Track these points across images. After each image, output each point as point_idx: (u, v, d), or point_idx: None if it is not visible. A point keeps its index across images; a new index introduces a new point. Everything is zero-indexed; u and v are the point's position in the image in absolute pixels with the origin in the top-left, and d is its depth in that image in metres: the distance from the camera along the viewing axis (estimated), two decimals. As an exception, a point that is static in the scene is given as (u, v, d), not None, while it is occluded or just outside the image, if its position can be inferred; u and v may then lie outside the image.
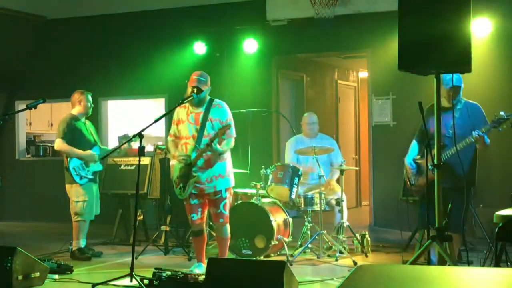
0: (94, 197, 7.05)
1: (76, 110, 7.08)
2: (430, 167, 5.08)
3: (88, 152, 6.97)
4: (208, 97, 5.98)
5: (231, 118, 5.96)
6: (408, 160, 5.90)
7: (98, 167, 7.09)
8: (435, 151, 4.72)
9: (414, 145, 5.90)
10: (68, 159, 6.91)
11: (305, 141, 7.55)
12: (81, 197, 6.92)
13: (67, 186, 6.98)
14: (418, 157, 5.83)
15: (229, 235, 6.04)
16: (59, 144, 6.93)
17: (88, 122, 7.21)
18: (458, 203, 5.42)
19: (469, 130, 5.40)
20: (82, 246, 6.97)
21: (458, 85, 5.52)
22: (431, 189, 4.84)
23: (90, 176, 6.98)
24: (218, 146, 5.72)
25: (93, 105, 7.18)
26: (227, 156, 5.99)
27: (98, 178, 7.22)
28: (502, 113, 5.33)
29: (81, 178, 6.91)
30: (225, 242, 6.05)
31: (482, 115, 5.62)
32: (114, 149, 6.97)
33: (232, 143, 5.97)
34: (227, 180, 5.96)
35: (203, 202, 5.99)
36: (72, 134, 6.93)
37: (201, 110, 5.91)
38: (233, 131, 5.90)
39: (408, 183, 5.96)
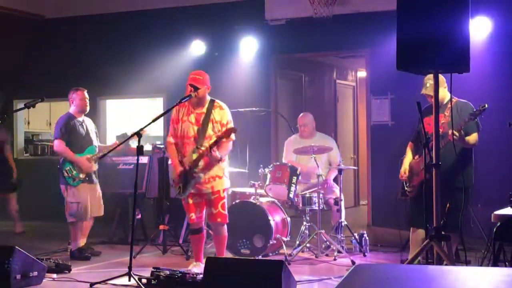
0: (89, 198, 6.98)
1: (72, 109, 7.07)
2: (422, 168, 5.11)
3: (84, 159, 6.91)
4: (209, 98, 5.98)
5: (232, 120, 5.96)
6: (403, 167, 5.93)
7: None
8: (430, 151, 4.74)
9: (408, 153, 5.97)
10: (62, 160, 6.89)
11: (304, 140, 7.55)
12: (75, 199, 6.89)
13: (62, 187, 6.95)
14: (416, 158, 5.84)
15: (226, 234, 6.06)
16: (58, 145, 6.90)
17: (86, 120, 7.17)
18: (455, 202, 5.43)
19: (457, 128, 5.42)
20: (81, 245, 6.96)
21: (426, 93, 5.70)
22: (423, 189, 4.88)
23: (84, 178, 6.95)
24: (217, 152, 5.72)
25: (87, 102, 7.07)
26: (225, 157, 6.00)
27: (97, 178, 7.15)
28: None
29: (74, 180, 6.87)
30: (222, 241, 6.06)
31: (471, 111, 5.62)
32: (113, 148, 6.95)
33: (231, 146, 5.97)
34: (224, 181, 5.98)
35: (201, 201, 6.00)
36: (68, 133, 6.91)
37: (202, 111, 5.91)
38: (233, 134, 5.89)
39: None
